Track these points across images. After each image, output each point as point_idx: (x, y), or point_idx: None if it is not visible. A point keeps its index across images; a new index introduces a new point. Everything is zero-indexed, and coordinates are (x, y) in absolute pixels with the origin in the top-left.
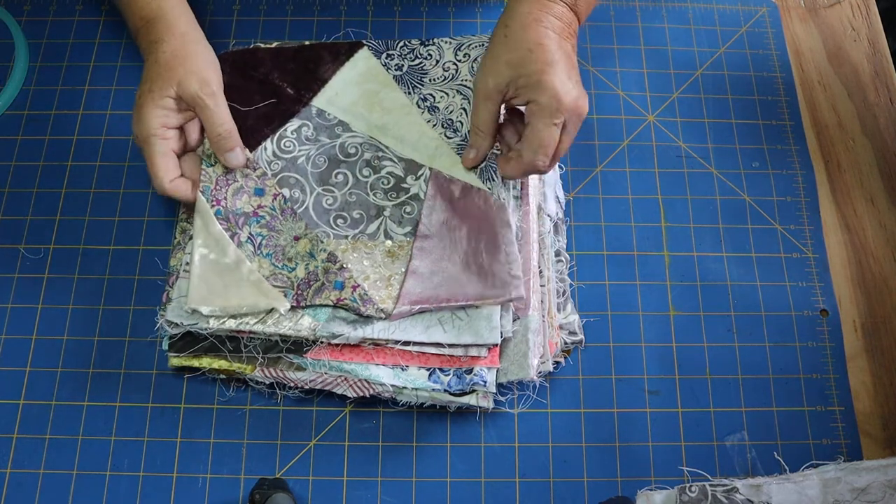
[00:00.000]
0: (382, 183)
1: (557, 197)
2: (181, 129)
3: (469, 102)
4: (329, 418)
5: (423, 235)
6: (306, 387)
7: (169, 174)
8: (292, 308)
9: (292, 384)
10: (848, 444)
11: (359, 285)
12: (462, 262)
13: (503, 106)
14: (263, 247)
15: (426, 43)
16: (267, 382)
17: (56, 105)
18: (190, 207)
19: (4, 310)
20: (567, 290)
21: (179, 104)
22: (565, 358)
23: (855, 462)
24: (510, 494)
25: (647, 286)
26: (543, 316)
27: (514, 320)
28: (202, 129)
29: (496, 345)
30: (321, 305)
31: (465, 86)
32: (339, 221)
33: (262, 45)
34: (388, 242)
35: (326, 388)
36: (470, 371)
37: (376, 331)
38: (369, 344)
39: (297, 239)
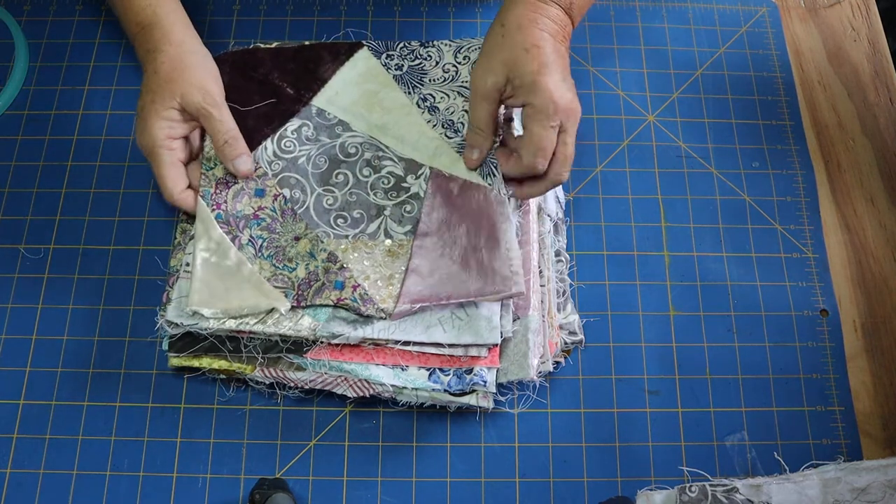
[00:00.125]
0: (383, 182)
1: (557, 197)
2: (186, 138)
3: None
4: (329, 418)
5: (423, 234)
6: (306, 387)
7: (178, 185)
8: (293, 308)
9: (292, 384)
10: (848, 444)
11: (359, 285)
12: (462, 259)
13: (501, 106)
14: (264, 249)
15: (426, 44)
16: (267, 382)
17: (56, 105)
18: None
19: (4, 310)
20: (567, 290)
21: (184, 115)
22: (565, 358)
23: (855, 462)
24: (510, 494)
25: (647, 286)
26: (543, 316)
27: (514, 320)
28: (203, 136)
29: (496, 345)
30: (321, 305)
31: (465, 87)
32: (340, 221)
33: (262, 45)
34: (389, 242)
35: (326, 388)
36: (470, 371)
37: (376, 331)
38: (369, 344)
39: (297, 239)
